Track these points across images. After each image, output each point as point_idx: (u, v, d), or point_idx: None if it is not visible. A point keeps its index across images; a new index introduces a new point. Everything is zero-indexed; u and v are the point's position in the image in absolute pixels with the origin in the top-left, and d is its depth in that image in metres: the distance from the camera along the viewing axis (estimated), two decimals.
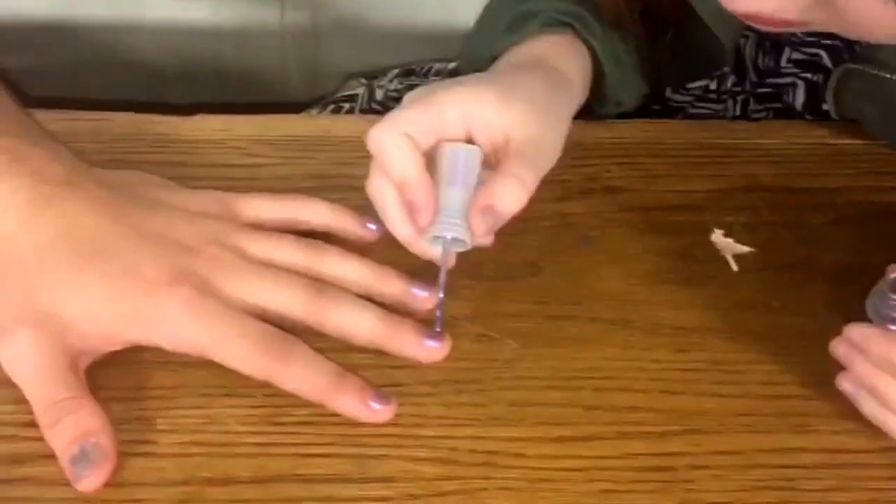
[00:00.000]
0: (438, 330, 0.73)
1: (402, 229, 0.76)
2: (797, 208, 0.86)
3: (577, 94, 0.84)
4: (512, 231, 0.76)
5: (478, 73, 0.82)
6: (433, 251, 0.75)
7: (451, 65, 1.08)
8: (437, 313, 0.74)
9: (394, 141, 0.74)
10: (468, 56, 0.87)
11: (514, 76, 0.80)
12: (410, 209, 0.74)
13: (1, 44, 1.02)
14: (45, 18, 1.09)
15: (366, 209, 0.79)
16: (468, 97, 0.76)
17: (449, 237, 0.74)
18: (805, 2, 0.57)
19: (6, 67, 0.89)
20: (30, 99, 0.82)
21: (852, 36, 0.62)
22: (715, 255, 0.82)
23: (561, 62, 0.84)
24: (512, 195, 0.73)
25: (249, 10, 1.12)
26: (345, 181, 0.84)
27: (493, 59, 0.85)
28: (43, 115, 0.80)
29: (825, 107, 0.94)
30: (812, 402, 0.72)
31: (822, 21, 0.60)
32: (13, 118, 0.75)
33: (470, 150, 0.76)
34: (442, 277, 0.74)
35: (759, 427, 0.71)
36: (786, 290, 0.80)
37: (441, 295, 0.74)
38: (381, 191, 0.76)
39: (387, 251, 0.79)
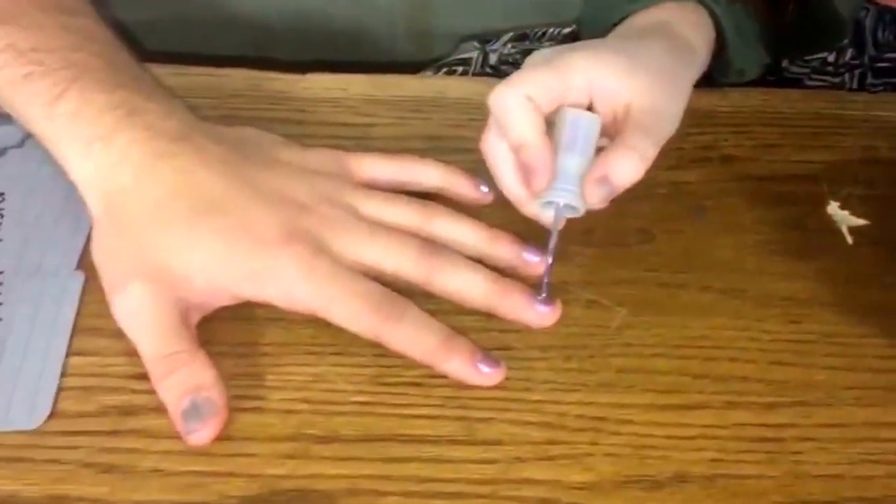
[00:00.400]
0: (545, 295, 0.73)
1: (514, 190, 0.75)
2: None
3: (700, 64, 0.83)
4: (624, 198, 0.75)
5: (602, 39, 0.81)
6: (544, 215, 0.75)
7: (566, 30, 1.07)
8: (545, 279, 0.74)
9: (517, 102, 0.73)
10: (587, 21, 0.86)
11: (640, 44, 0.79)
12: (526, 172, 0.73)
13: (126, 3, 1.02)
14: None
15: (478, 171, 0.79)
16: (595, 64, 0.75)
17: (562, 203, 0.73)
18: None
19: (121, 20, 0.89)
20: (145, 53, 0.82)
21: None
22: (830, 226, 0.81)
23: (686, 30, 0.82)
24: (629, 167, 0.72)
25: None
26: (458, 143, 0.85)
27: (614, 25, 0.84)
28: (158, 70, 0.81)
29: None
30: None
31: None
32: (129, 72, 0.76)
33: (592, 119, 0.75)
34: (552, 243, 0.74)
35: (868, 401, 0.70)
36: None
37: (550, 260, 0.74)
38: (496, 150, 0.75)
39: (498, 213, 0.79)
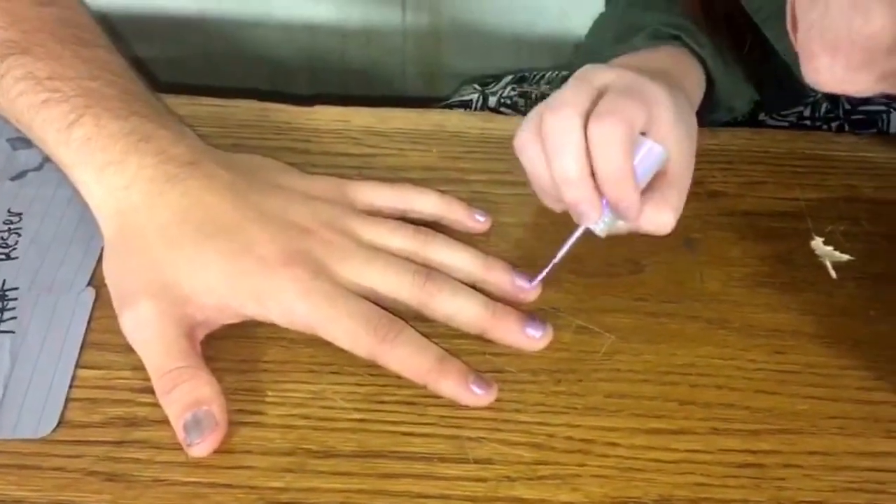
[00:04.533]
0: (534, 282, 0.77)
1: (545, 192, 0.78)
2: None
3: (696, 107, 0.85)
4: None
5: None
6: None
7: (564, 73, 1.09)
8: (545, 271, 0.76)
9: (572, 125, 0.72)
10: (578, 67, 0.89)
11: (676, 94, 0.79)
12: (574, 207, 0.74)
13: (137, 34, 1.05)
14: (178, 12, 1.12)
15: (474, 201, 0.82)
16: (668, 103, 0.76)
17: (597, 231, 0.75)
18: (887, 84, 0.56)
19: (141, 56, 0.92)
20: (160, 84, 0.84)
21: None
22: (814, 261, 0.82)
23: (681, 75, 0.84)
24: (664, 222, 0.75)
25: (372, 9, 1.15)
26: (455, 174, 0.87)
27: None
28: (171, 100, 0.83)
29: None
30: None
31: None
32: (143, 101, 0.78)
33: (661, 153, 0.75)
34: (567, 247, 0.76)
35: (850, 430, 0.71)
36: (883, 299, 0.80)
37: (559, 257, 0.76)
38: (531, 152, 0.76)
39: (493, 241, 0.81)
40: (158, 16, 1.12)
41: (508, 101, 1.11)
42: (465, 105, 1.12)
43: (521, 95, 1.11)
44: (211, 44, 1.10)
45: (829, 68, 0.55)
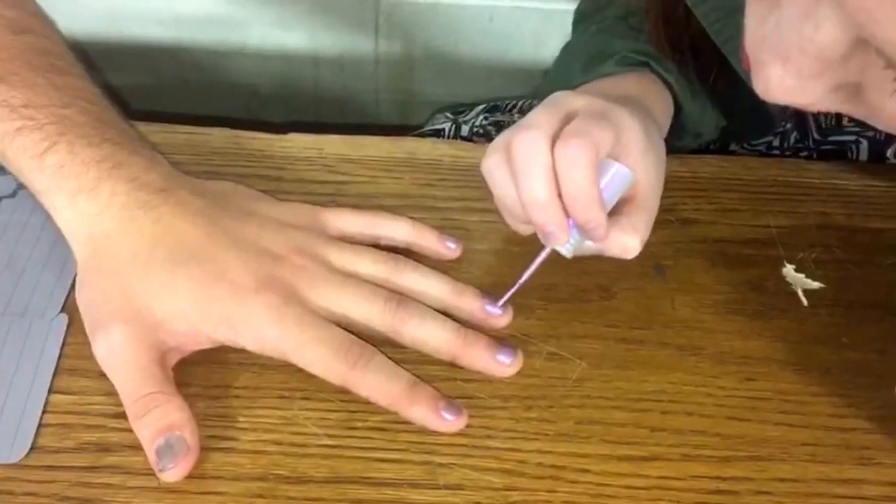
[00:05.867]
0: (501, 304, 0.77)
1: (511, 215, 0.79)
2: (868, 247, 0.87)
3: (664, 133, 0.86)
4: (586, 256, 0.78)
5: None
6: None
7: (535, 101, 1.10)
8: (511, 291, 0.77)
9: (542, 149, 0.73)
10: (546, 94, 0.90)
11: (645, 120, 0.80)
12: (541, 229, 0.75)
13: (111, 62, 1.05)
14: (153, 41, 1.13)
15: (445, 228, 0.83)
16: (637, 128, 0.77)
17: (563, 252, 0.76)
18: (839, 97, 0.57)
19: (114, 84, 0.92)
20: (133, 111, 0.85)
21: (886, 130, 0.62)
22: (785, 289, 0.83)
23: (649, 101, 0.85)
24: (630, 247, 0.76)
25: (345, 38, 1.15)
26: (427, 201, 0.88)
27: None
28: (144, 128, 0.84)
29: (890, 160, 0.95)
30: (876, 436, 0.73)
31: (857, 114, 0.59)
32: (116, 128, 0.78)
33: (627, 175, 0.75)
34: (533, 267, 0.76)
35: (822, 457, 0.72)
36: (855, 326, 0.80)
37: (524, 278, 0.76)
38: (498, 176, 0.77)
39: (464, 268, 0.82)
40: (133, 44, 1.13)
41: (481, 131, 1.12)
42: (438, 133, 1.13)
43: (493, 124, 1.11)
44: (185, 72, 1.11)
45: (780, 78, 0.55)
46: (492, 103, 1.15)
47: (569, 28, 1.02)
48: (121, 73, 1.03)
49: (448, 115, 1.13)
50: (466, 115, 1.13)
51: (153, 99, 1.12)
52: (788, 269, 0.84)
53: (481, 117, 1.13)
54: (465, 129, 1.12)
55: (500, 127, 1.10)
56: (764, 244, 0.87)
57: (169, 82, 1.12)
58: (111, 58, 1.11)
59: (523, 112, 1.11)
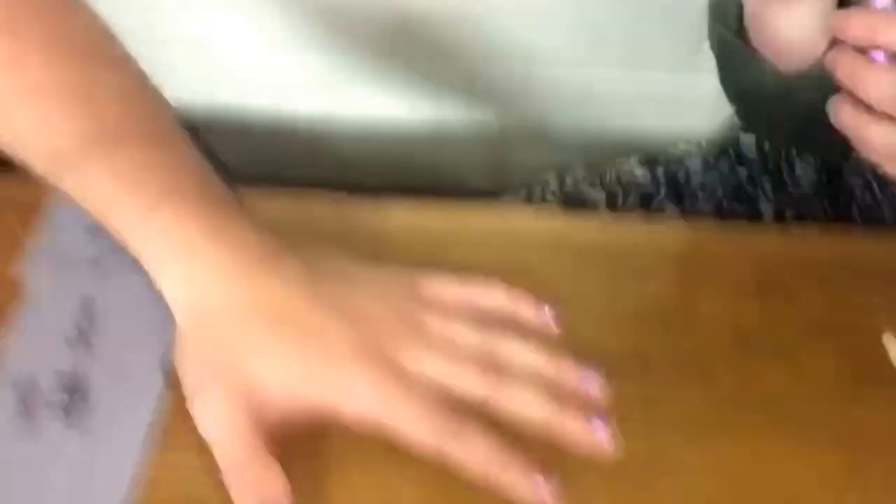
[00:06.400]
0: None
1: None
2: None
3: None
4: (680, 328, 0.79)
5: None
6: None
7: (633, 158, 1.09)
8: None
9: None
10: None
11: None
12: None
13: (210, 128, 1.07)
14: (257, 112, 1.14)
15: (542, 297, 0.81)
16: None
17: None
18: None
19: (214, 149, 0.94)
20: (233, 177, 0.86)
21: None
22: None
23: None
24: None
25: (441, 108, 1.16)
26: (523, 269, 0.87)
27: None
28: (245, 193, 0.84)
29: None
30: None
31: None
32: (218, 193, 0.79)
33: None
34: None
35: None
36: None
37: None
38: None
39: (561, 337, 0.80)
40: (233, 112, 1.14)
41: (586, 182, 1.11)
42: (542, 184, 1.12)
43: (598, 175, 1.10)
44: (285, 141, 1.12)
45: None
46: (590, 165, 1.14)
47: None
48: (219, 138, 1.04)
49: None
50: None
51: (250, 164, 1.13)
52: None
53: (583, 169, 1.12)
54: (569, 181, 1.11)
55: (602, 179, 1.09)
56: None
57: (269, 150, 1.13)
58: (210, 124, 1.13)
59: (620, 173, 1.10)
